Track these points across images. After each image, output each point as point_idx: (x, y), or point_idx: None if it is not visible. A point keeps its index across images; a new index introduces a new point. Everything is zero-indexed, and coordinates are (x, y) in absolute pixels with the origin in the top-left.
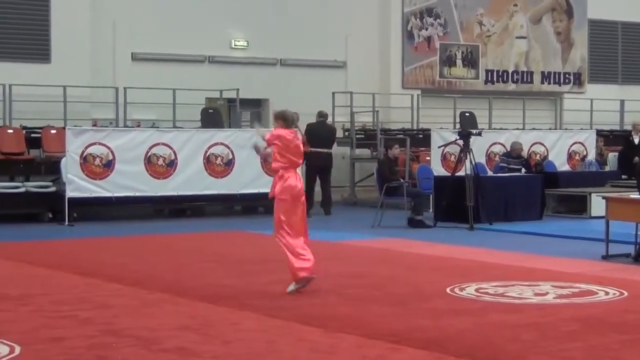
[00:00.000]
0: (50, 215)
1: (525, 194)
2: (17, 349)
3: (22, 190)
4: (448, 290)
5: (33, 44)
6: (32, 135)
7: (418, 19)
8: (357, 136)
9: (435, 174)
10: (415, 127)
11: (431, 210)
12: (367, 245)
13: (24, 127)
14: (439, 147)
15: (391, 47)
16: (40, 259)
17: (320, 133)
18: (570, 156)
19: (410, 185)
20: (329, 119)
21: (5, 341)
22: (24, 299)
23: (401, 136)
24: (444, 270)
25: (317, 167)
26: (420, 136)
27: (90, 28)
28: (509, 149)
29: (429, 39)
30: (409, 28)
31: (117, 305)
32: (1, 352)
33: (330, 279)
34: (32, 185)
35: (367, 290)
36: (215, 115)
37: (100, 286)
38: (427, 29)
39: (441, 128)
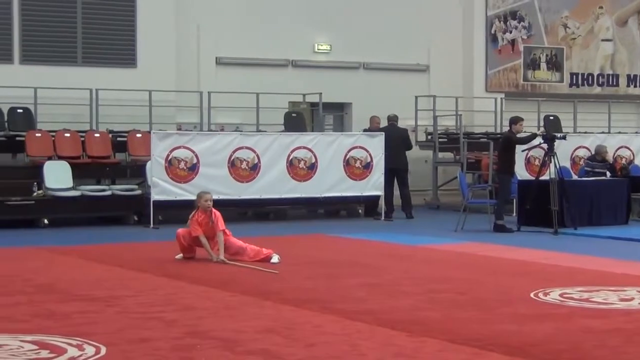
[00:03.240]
0: (136, 218)
1: (610, 198)
2: (103, 350)
3: (108, 193)
4: (532, 295)
5: (119, 50)
6: (118, 139)
7: (502, 22)
8: (440, 140)
9: (519, 178)
10: (498, 131)
11: (514, 214)
12: (450, 249)
13: (111, 131)
14: (523, 151)
15: (474, 50)
16: (126, 261)
17: (390, 136)
18: None
19: (494, 189)
20: (411, 123)
21: (91, 342)
22: (110, 301)
23: (484, 140)
24: (528, 275)
25: (393, 170)
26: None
27: (175, 33)
28: (593, 153)
29: (512, 42)
30: (492, 31)
31: (201, 307)
32: (87, 353)
33: (414, 283)
34: (118, 189)
35: (450, 295)
36: (298, 119)
37: (185, 288)
38: (511, 32)
39: (525, 132)
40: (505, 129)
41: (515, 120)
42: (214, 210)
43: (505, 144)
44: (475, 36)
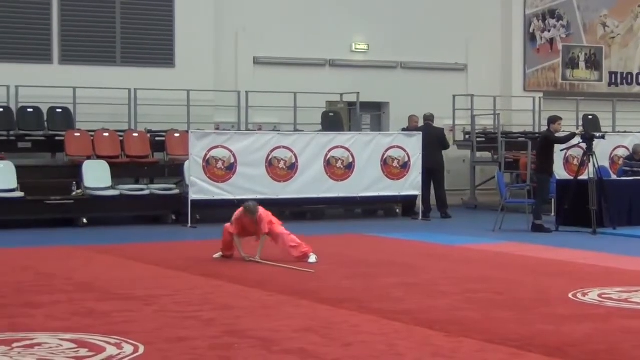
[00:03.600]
0: (174, 217)
1: None
2: (141, 349)
3: (146, 192)
4: (570, 295)
5: (158, 49)
6: (157, 138)
7: (540, 21)
8: (478, 139)
9: (558, 177)
10: (537, 131)
11: (553, 214)
12: (488, 249)
13: (149, 131)
14: (561, 151)
15: (513, 49)
16: (164, 260)
17: (426, 136)
18: None
19: (532, 189)
20: (449, 122)
21: (129, 340)
22: (148, 300)
23: (522, 139)
24: (566, 275)
25: (429, 170)
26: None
27: (213, 33)
28: (632, 152)
29: (551, 41)
30: (531, 30)
31: (239, 306)
32: (125, 351)
33: (452, 283)
34: (156, 188)
35: (488, 295)
36: (335, 118)
37: (223, 287)
38: (549, 31)
39: (564, 131)
40: (544, 128)
41: (553, 120)
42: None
43: (544, 143)
44: (514, 35)
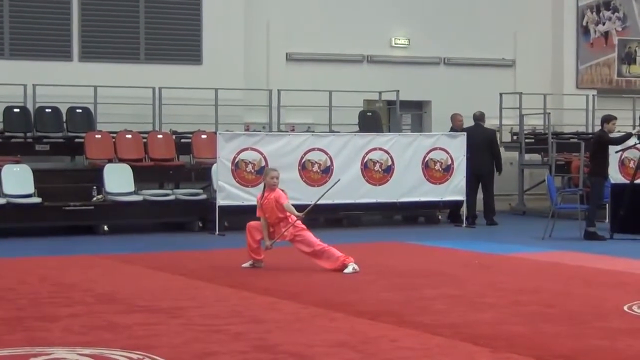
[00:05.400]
0: (200, 224)
1: None
2: None
3: (171, 198)
4: (626, 308)
5: (184, 45)
6: (183, 140)
7: (594, 13)
8: (527, 140)
9: (613, 181)
10: (590, 131)
11: (607, 220)
12: (537, 258)
13: (174, 132)
14: (617, 152)
15: (564, 43)
16: (191, 270)
17: (474, 138)
18: None
19: (585, 194)
20: (495, 122)
21: (153, 356)
22: (173, 312)
23: (574, 140)
24: (622, 287)
25: (476, 174)
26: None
27: (243, 27)
28: None
29: (606, 35)
30: (584, 23)
31: (270, 319)
32: None
33: (498, 295)
34: (181, 193)
35: (538, 307)
36: (373, 118)
37: (253, 299)
38: (604, 24)
39: (619, 132)
40: (597, 128)
41: (607, 119)
42: (278, 190)
43: (597, 144)
44: (565, 28)
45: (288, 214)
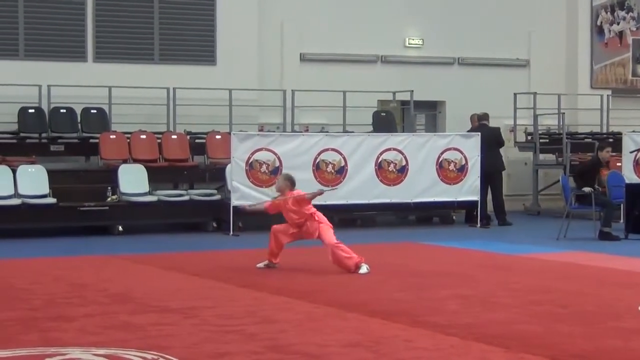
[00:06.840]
0: (215, 225)
1: None
2: None
3: (186, 198)
4: None
5: (198, 46)
6: (197, 140)
7: (609, 13)
8: (541, 141)
9: (627, 181)
10: (605, 131)
11: (622, 221)
12: (551, 259)
13: (189, 133)
14: (631, 152)
15: (579, 43)
16: (205, 271)
17: (482, 137)
18: None
19: (600, 194)
20: (509, 122)
21: (167, 356)
22: (187, 312)
23: (589, 140)
24: (636, 287)
25: (486, 173)
26: (611, 140)
27: (257, 28)
28: None
29: (620, 34)
30: (598, 23)
31: (283, 319)
32: None
33: (512, 295)
34: (196, 193)
35: (552, 307)
36: (387, 118)
37: (266, 299)
38: (618, 24)
39: (634, 131)
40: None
41: (602, 147)
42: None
43: (592, 168)
44: (580, 28)
45: (312, 211)
